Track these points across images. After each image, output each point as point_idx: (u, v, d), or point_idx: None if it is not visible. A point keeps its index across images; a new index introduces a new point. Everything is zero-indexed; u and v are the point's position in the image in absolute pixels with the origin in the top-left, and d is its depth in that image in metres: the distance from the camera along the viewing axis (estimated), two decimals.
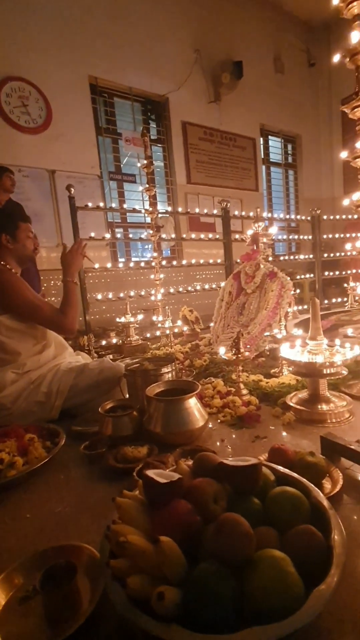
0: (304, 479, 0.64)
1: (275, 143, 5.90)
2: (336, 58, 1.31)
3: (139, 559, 0.48)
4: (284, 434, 1.15)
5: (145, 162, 2.12)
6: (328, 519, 0.54)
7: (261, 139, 5.53)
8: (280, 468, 0.68)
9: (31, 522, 0.84)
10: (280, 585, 0.43)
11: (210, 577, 0.46)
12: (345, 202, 1.37)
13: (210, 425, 1.23)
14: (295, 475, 0.66)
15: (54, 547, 0.69)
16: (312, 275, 3.94)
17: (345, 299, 3.04)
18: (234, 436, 1.17)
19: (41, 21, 3.41)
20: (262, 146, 5.56)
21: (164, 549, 0.47)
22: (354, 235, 3.71)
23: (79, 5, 3.63)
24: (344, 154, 1.30)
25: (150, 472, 0.58)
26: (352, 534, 0.68)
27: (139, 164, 2.46)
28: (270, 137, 5.78)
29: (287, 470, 0.67)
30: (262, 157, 5.59)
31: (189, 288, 3.12)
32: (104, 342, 2.62)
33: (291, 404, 1.27)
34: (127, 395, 1.41)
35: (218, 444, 1.12)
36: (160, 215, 3.03)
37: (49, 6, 3.44)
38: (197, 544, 0.52)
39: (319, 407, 1.21)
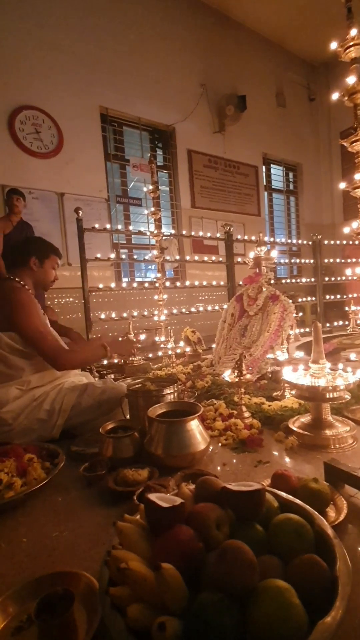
0: (308, 507, 0.63)
1: (277, 171, 6.11)
2: (335, 96, 1.38)
3: (139, 587, 0.47)
4: (287, 459, 1.13)
5: (151, 187, 2.19)
6: (333, 549, 0.53)
7: (263, 167, 5.74)
8: (284, 494, 0.67)
9: (27, 546, 0.82)
10: (284, 617, 0.42)
11: (212, 607, 0.44)
12: (346, 230, 1.41)
13: (211, 449, 1.21)
14: (298, 502, 0.64)
15: (50, 574, 0.67)
16: (313, 298, 3.98)
17: (346, 322, 3.05)
18: (235, 460, 1.15)
19: (56, 54, 3.64)
20: (264, 174, 5.76)
21: (165, 576, 0.46)
22: (354, 260, 3.76)
23: (93, 41, 3.89)
24: (342, 185, 1.35)
25: (153, 496, 0.57)
26: (358, 564, 0.66)
27: (145, 189, 2.55)
28: (272, 165, 6.00)
29: (290, 497, 0.66)
30: (264, 184, 5.77)
31: (192, 309, 3.14)
32: (105, 362, 2.62)
33: (294, 428, 1.25)
34: (128, 416, 1.40)
35: (219, 468, 1.10)
36: (164, 237, 3.10)
37: (64, 41, 3.68)
38: (199, 571, 0.51)
39: (322, 432, 1.20)
